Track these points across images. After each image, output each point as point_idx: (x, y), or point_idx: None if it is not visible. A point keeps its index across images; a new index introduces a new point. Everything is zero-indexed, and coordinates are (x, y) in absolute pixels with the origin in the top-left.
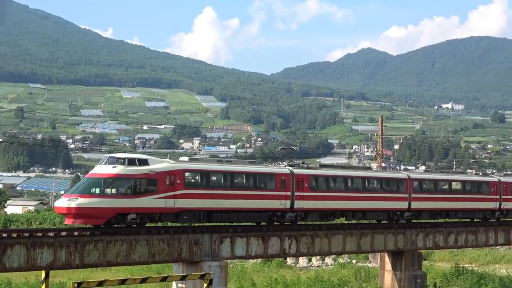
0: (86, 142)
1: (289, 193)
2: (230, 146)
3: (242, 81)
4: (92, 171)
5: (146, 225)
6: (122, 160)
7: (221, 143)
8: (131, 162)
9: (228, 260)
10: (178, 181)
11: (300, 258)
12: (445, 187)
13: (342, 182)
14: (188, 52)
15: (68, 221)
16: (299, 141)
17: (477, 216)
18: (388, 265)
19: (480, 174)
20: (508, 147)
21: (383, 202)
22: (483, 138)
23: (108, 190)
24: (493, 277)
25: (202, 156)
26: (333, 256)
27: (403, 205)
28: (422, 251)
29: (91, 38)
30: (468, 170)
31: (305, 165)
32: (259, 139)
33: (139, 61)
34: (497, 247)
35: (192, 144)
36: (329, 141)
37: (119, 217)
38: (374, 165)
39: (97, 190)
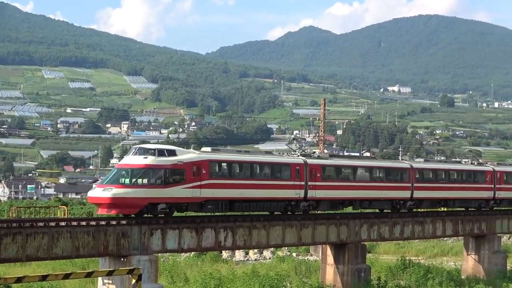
0: (3, 126)
1: (303, 183)
2: (162, 131)
3: (175, 60)
4: (123, 162)
5: (173, 215)
6: (153, 151)
7: (151, 128)
8: (161, 152)
9: (159, 254)
10: (204, 171)
11: (237, 251)
12: (444, 176)
13: (351, 171)
14: (116, 28)
15: (101, 211)
16: (236, 126)
17: (473, 205)
18: (330, 258)
19: (475, 163)
20: (457, 133)
21: (388, 191)
22: (431, 123)
23: (140, 181)
24: (440, 270)
25: (130, 142)
26: (272, 249)
27: (406, 194)
28: (366, 243)
29: (9, 13)
30: (464, 160)
31: (316, 155)
32: (193, 123)
33: (63, 38)
34: (445, 239)
35: (120, 128)
36: (268, 125)
37: (150, 206)
38: (316, 151)
39: (131, 181)
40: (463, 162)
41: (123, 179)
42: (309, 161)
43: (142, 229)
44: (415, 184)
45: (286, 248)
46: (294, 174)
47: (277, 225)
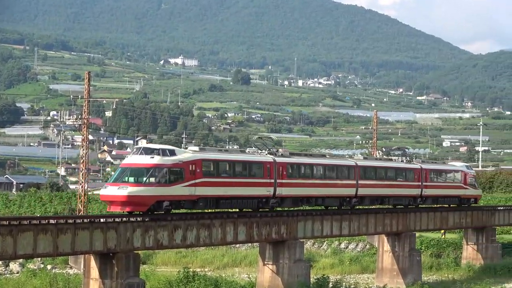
0: None
1: (272, 181)
2: None
3: None
4: (129, 161)
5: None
6: (157, 151)
7: None
8: (164, 152)
9: None
10: (198, 170)
11: None
12: (383, 174)
13: (310, 169)
14: None
15: (114, 209)
16: None
17: (404, 202)
18: (94, 271)
19: (405, 161)
20: (253, 116)
21: (339, 188)
22: (222, 104)
23: (150, 179)
24: (231, 284)
25: None
26: (21, 260)
27: (352, 191)
28: (140, 252)
29: None
30: (393, 157)
31: (280, 153)
32: None
33: None
34: (237, 246)
35: None
36: (18, 104)
37: (156, 204)
38: (78, 138)
39: (143, 179)
40: (394, 160)
41: (135, 178)
42: (277, 159)
43: None
44: (359, 182)
45: (39, 259)
46: (266, 172)
47: (27, 230)
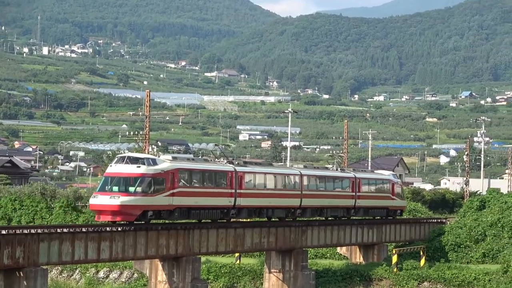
0: None
1: (233, 191)
2: None
3: None
4: (116, 170)
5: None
6: (142, 160)
7: None
8: (148, 162)
9: None
10: (175, 180)
11: None
12: (322, 183)
13: (264, 179)
14: None
15: (104, 218)
16: None
17: (340, 214)
18: None
19: (339, 169)
20: None
21: (287, 199)
22: None
23: (138, 189)
24: None
25: None
26: None
27: (297, 202)
28: None
29: None
30: (328, 165)
31: (236, 162)
32: None
33: None
34: None
35: None
36: None
37: (141, 214)
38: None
39: (132, 189)
40: (330, 168)
41: (125, 187)
42: (237, 168)
43: None
44: (303, 192)
45: None
46: (228, 182)
47: None
